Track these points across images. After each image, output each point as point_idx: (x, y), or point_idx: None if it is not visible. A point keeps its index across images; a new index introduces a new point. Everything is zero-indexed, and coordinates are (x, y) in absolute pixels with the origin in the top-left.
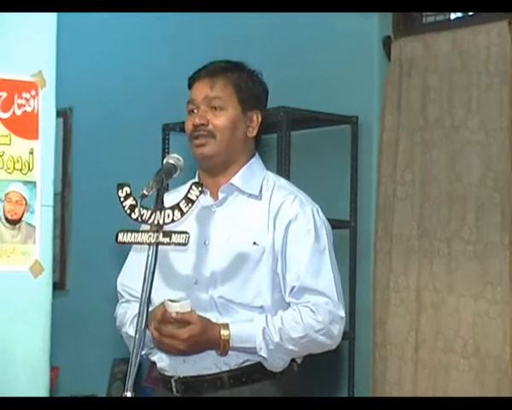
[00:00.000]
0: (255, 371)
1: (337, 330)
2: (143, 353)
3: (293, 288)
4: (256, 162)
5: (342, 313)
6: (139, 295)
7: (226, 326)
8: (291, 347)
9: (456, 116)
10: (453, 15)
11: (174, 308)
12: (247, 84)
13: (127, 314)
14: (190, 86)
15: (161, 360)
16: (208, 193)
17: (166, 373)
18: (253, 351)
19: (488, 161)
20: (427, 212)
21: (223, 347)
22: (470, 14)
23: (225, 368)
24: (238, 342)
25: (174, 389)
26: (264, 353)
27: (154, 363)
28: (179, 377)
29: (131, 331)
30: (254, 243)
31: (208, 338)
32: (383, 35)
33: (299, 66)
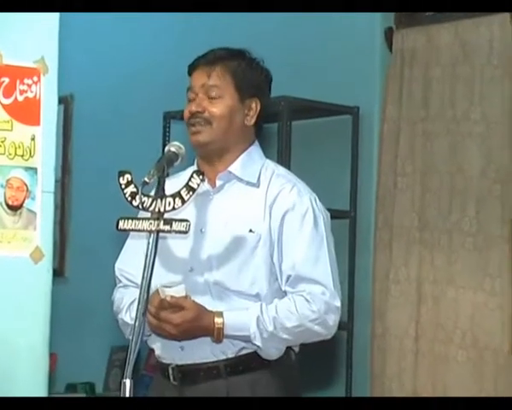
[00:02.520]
0: (252, 360)
1: (332, 320)
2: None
3: (288, 276)
4: (255, 150)
5: (338, 303)
6: (136, 281)
7: (220, 314)
8: (285, 336)
9: (457, 108)
10: None
11: (167, 294)
12: (245, 73)
13: (124, 301)
14: (190, 74)
15: (159, 348)
16: (206, 180)
17: (164, 361)
18: (247, 339)
19: (489, 153)
20: (427, 203)
21: (216, 334)
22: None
23: (222, 357)
24: (232, 330)
25: (171, 377)
26: (258, 341)
27: (152, 350)
28: (176, 365)
29: (127, 318)
30: (250, 231)
31: (201, 325)
32: (385, 26)
33: (300, 56)
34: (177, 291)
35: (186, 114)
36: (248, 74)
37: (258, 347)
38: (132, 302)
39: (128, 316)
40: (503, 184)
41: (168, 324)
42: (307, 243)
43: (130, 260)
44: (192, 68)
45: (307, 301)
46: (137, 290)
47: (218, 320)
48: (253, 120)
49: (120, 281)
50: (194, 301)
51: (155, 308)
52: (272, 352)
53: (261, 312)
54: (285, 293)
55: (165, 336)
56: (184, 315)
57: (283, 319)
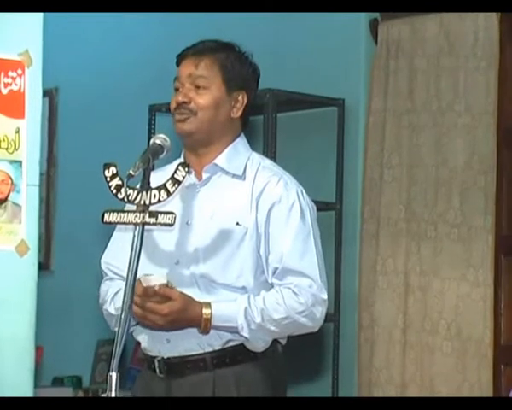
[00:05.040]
0: (239, 352)
1: (319, 312)
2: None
3: (275, 269)
4: (241, 143)
5: (325, 296)
6: (122, 273)
7: (208, 305)
8: (272, 328)
9: (442, 99)
10: None
11: (149, 282)
12: (233, 65)
13: (108, 292)
14: (178, 64)
15: (145, 340)
16: (192, 172)
17: (150, 354)
18: (234, 330)
19: (474, 144)
20: (413, 195)
21: (204, 325)
22: None
23: (208, 349)
24: (220, 321)
25: (157, 370)
26: (245, 333)
27: (139, 344)
28: (163, 358)
29: (111, 309)
30: (237, 224)
31: (189, 316)
32: (370, 18)
33: (285, 47)
34: (158, 278)
35: (172, 104)
36: (237, 67)
37: (245, 338)
38: (116, 293)
39: (112, 307)
40: (486, 175)
41: (155, 314)
42: (294, 236)
43: (116, 254)
44: (180, 58)
45: (294, 293)
46: (123, 283)
47: (205, 311)
48: (239, 113)
49: (106, 274)
50: (181, 292)
51: (139, 297)
52: (259, 344)
53: (249, 303)
54: (272, 286)
55: (152, 326)
56: (172, 305)
57: (271, 310)
